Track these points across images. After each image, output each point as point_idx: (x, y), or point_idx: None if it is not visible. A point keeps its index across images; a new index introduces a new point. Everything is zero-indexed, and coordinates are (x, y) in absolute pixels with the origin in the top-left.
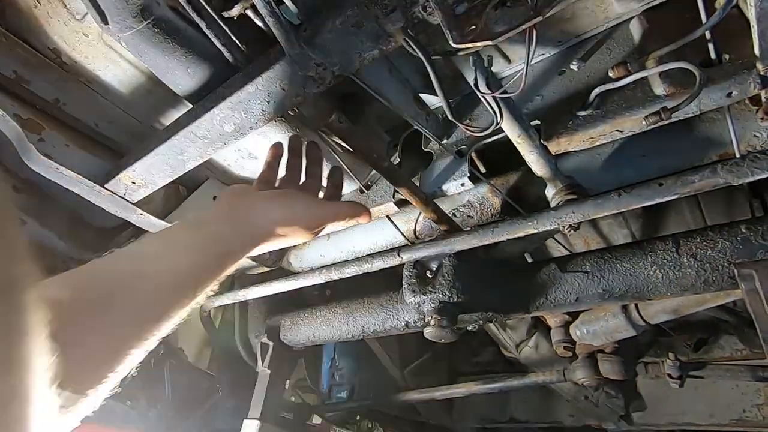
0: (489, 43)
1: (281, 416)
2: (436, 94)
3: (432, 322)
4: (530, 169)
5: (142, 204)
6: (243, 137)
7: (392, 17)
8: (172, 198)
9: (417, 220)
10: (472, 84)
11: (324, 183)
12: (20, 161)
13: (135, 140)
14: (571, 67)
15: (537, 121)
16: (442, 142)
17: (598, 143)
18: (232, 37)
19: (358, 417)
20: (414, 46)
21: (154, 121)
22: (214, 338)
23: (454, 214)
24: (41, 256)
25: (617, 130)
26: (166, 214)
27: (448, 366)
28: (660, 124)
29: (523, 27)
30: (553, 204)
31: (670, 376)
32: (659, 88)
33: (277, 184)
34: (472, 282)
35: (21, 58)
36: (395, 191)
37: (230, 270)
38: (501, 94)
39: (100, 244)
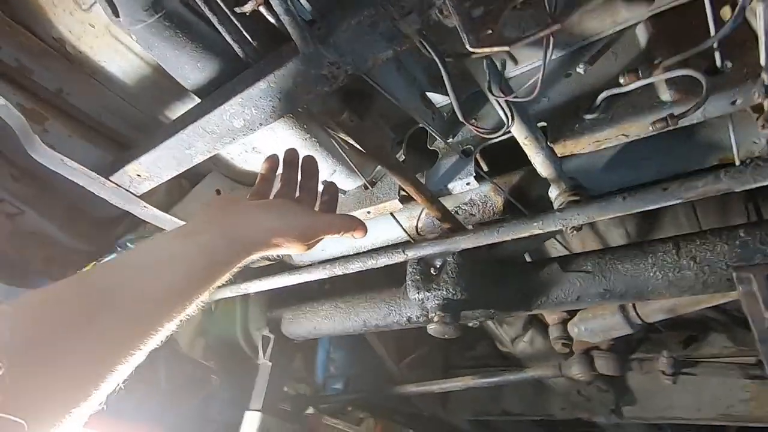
0: (506, 48)
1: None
2: (442, 93)
3: (436, 319)
4: (533, 169)
5: (146, 196)
6: (252, 133)
7: (408, 19)
8: (175, 190)
9: (419, 217)
10: (484, 87)
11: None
12: (19, 150)
13: (138, 132)
14: (578, 69)
15: (543, 123)
16: (448, 141)
17: (603, 147)
18: (244, 32)
19: (350, 408)
20: (428, 48)
21: (158, 113)
22: (212, 329)
23: (456, 212)
24: (40, 246)
25: (623, 135)
26: (170, 206)
27: (442, 359)
28: (666, 129)
29: (542, 34)
30: (556, 205)
31: (663, 372)
32: (665, 95)
33: (271, 197)
34: (475, 280)
35: (24, 47)
36: (401, 188)
37: (222, 280)
38: (514, 98)
39: (98, 235)
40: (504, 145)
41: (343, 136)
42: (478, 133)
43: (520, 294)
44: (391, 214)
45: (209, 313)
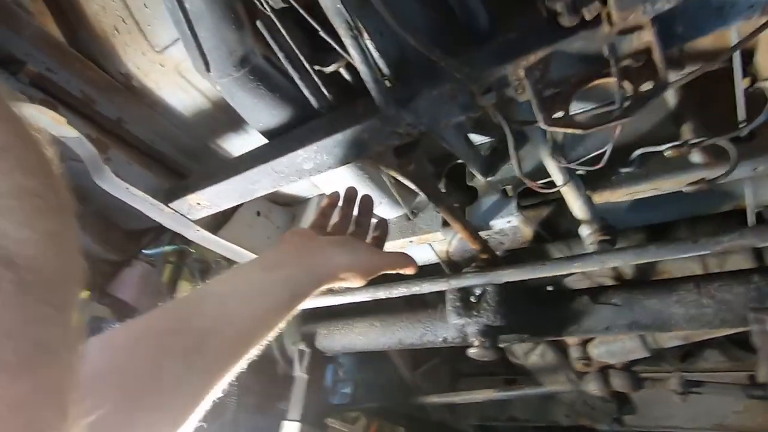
0: (579, 131)
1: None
2: (482, 134)
3: (476, 344)
4: (561, 203)
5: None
6: (319, 174)
7: (487, 96)
8: (219, 212)
9: (451, 242)
10: (548, 154)
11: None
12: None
13: (188, 158)
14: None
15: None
16: (488, 179)
17: (636, 197)
18: (321, 87)
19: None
20: (501, 118)
21: (210, 142)
22: None
23: (486, 240)
24: None
25: (656, 189)
26: (215, 227)
27: (451, 367)
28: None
29: (611, 125)
30: (587, 243)
31: (675, 391)
32: (696, 157)
33: (328, 230)
34: (513, 308)
35: (91, 80)
36: (445, 222)
37: (297, 310)
38: (574, 166)
39: (126, 246)
40: None
41: (392, 171)
42: (536, 189)
43: (554, 322)
44: (430, 244)
45: None
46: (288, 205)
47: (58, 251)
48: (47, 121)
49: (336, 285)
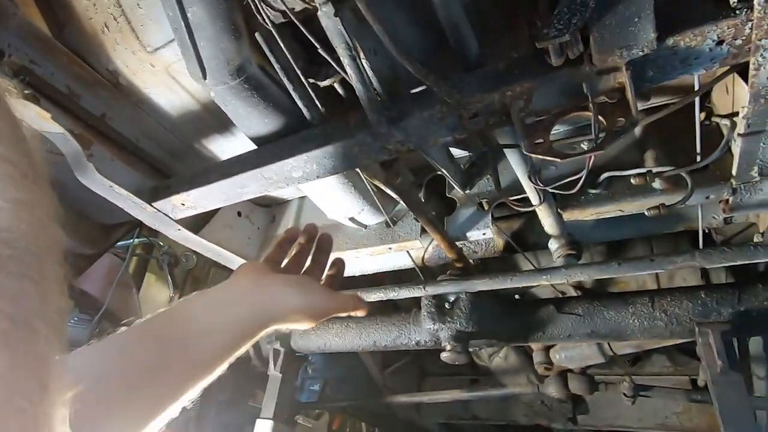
0: (557, 160)
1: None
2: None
3: (449, 348)
4: (532, 217)
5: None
6: (306, 182)
7: (474, 120)
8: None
9: (426, 249)
10: (526, 177)
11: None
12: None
13: (173, 158)
14: (582, 145)
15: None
16: (466, 192)
17: (602, 217)
18: (314, 99)
19: None
20: (485, 141)
21: (196, 142)
22: None
23: (461, 249)
24: None
25: (620, 210)
26: (196, 227)
27: (419, 367)
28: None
29: (586, 154)
30: (555, 257)
31: (625, 395)
32: (657, 184)
33: (283, 265)
34: (484, 315)
35: (77, 75)
36: (423, 230)
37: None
38: (552, 189)
39: (99, 240)
40: None
41: (377, 182)
42: (514, 207)
43: (522, 329)
44: (408, 252)
45: None
46: (268, 206)
47: (31, 221)
48: (31, 116)
49: (285, 326)
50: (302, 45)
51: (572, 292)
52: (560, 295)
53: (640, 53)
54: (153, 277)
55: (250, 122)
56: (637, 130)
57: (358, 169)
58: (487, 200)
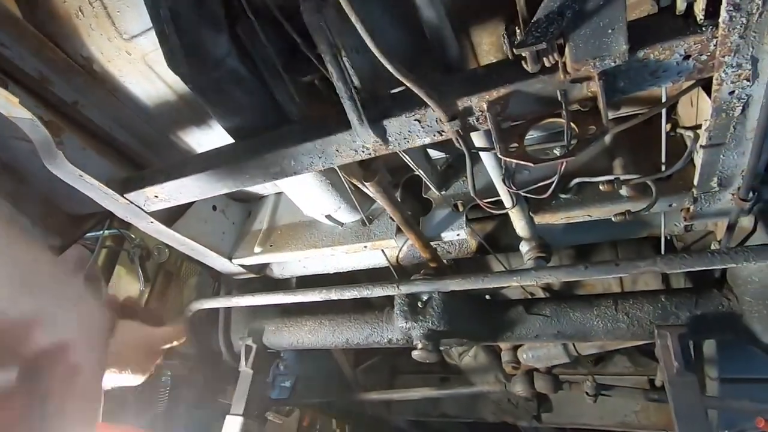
0: (530, 165)
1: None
2: (440, 152)
3: (420, 346)
4: (504, 220)
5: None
6: (284, 178)
7: (452, 123)
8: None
9: (401, 249)
10: (500, 180)
11: None
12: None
13: (147, 148)
14: (555, 151)
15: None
16: (441, 193)
17: (571, 221)
18: (294, 94)
19: None
20: (461, 143)
21: (171, 133)
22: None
23: (435, 248)
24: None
25: (588, 215)
26: (169, 220)
27: (390, 364)
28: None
29: (558, 160)
30: (526, 258)
31: (588, 394)
32: (623, 191)
33: None
34: (455, 315)
35: (49, 60)
36: (399, 229)
37: None
38: (525, 193)
39: (68, 231)
40: None
41: (354, 180)
42: (488, 210)
43: (491, 328)
44: (383, 250)
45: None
46: (245, 201)
47: None
48: None
49: None
50: (284, 40)
51: (541, 294)
52: (529, 296)
53: (612, 64)
54: (123, 270)
55: (228, 115)
56: (607, 138)
57: (336, 167)
58: (462, 202)
